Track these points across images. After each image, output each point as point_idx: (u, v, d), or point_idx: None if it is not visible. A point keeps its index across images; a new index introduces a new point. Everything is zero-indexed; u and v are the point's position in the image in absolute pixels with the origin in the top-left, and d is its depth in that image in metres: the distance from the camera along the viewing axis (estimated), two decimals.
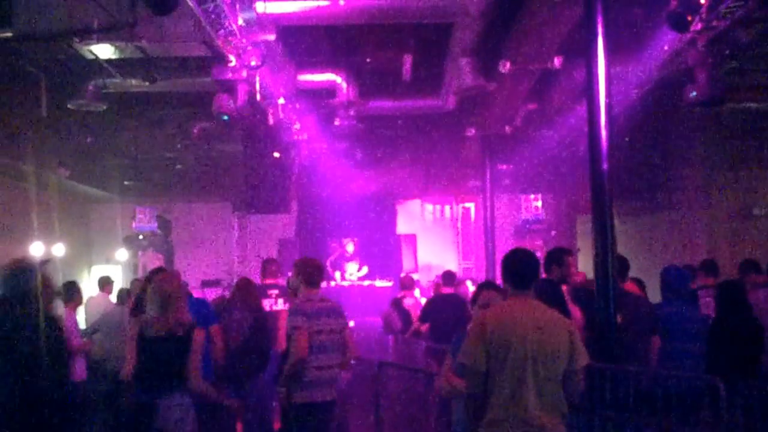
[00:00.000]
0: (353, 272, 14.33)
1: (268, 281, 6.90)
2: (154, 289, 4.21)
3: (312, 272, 4.77)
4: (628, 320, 4.92)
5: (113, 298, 8.67)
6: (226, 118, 8.24)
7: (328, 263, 14.36)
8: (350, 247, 14.61)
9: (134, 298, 6.39)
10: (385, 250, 15.47)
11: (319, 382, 4.53)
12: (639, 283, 6.55)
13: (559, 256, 5.65)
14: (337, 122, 11.20)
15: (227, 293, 8.78)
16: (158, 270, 5.90)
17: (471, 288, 8.23)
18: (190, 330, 4.13)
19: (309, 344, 4.47)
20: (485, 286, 4.40)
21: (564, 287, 5.47)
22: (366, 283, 13.99)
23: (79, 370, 6.77)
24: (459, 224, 16.83)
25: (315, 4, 7.47)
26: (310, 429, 4.56)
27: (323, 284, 5.07)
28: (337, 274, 14.37)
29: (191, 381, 4.05)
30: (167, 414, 3.99)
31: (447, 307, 7.45)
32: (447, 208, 17.00)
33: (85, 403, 6.67)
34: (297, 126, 11.37)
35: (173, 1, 5.75)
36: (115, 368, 6.62)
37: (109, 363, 6.81)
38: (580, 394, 3.39)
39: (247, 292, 6.15)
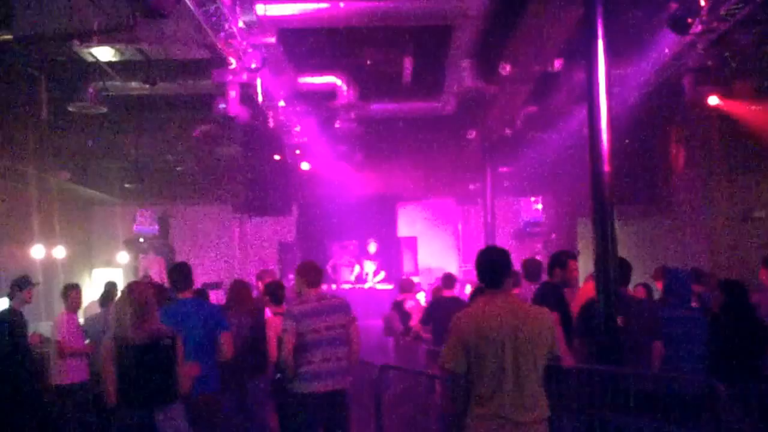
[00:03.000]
0: (369, 272, 14.28)
1: None
2: (129, 300, 4.14)
3: (308, 274, 5.00)
4: (629, 323, 4.92)
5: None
6: (226, 120, 8.26)
7: (329, 267, 14.34)
8: (372, 247, 14.58)
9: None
10: (385, 253, 15.46)
11: (317, 375, 4.77)
12: (645, 287, 6.56)
13: (563, 260, 5.64)
14: (337, 125, 11.20)
15: None
16: (176, 268, 5.78)
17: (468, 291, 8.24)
18: (174, 339, 4.11)
19: (299, 343, 4.75)
20: (482, 290, 4.42)
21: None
22: (366, 285, 13.98)
23: (79, 371, 6.76)
24: (459, 227, 16.82)
25: (315, 6, 7.47)
26: (310, 415, 4.79)
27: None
28: (354, 274, 14.36)
29: (183, 388, 4.09)
30: (164, 427, 3.96)
31: (448, 310, 7.43)
32: (447, 210, 16.98)
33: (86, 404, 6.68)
34: (297, 128, 11.37)
35: (168, 5, 5.75)
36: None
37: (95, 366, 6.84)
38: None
39: (242, 295, 6.14)
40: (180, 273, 5.16)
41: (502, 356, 3.22)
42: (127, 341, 4.02)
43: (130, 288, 4.30)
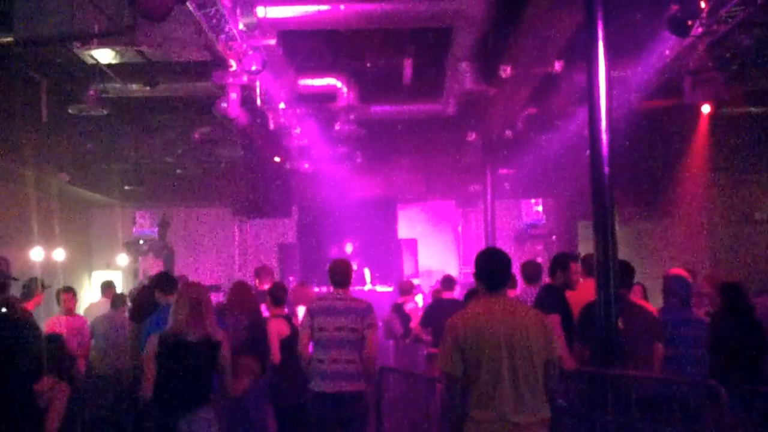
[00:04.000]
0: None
1: (263, 288, 6.91)
2: (181, 297, 4.20)
3: (332, 273, 5.09)
4: (629, 327, 4.90)
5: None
6: (226, 122, 8.25)
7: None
8: (348, 248, 14.55)
9: (134, 304, 6.37)
10: (386, 255, 15.43)
11: (326, 375, 4.81)
12: (642, 287, 6.53)
13: (565, 262, 5.62)
14: (337, 127, 11.19)
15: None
16: (162, 275, 5.89)
17: None
18: (219, 343, 4.11)
19: (310, 340, 4.87)
20: (476, 292, 4.42)
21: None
22: (366, 288, 13.93)
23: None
24: (460, 229, 16.81)
25: (315, 8, 7.48)
26: (321, 413, 4.87)
27: (316, 290, 5.27)
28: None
29: (230, 392, 4.21)
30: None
31: (448, 312, 7.41)
32: (448, 212, 16.97)
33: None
34: (297, 131, 11.36)
35: (166, 8, 5.75)
36: (111, 370, 6.69)
37: (104, 365, 6.82)
38: (559, 387, 3.41)
39: (242, 296, 6.12)
40: (167, 277, 5.48)
41: (499, 359, 3.19)
42: (179, 338, 4.04)
43: (187, 287, 4.39)
